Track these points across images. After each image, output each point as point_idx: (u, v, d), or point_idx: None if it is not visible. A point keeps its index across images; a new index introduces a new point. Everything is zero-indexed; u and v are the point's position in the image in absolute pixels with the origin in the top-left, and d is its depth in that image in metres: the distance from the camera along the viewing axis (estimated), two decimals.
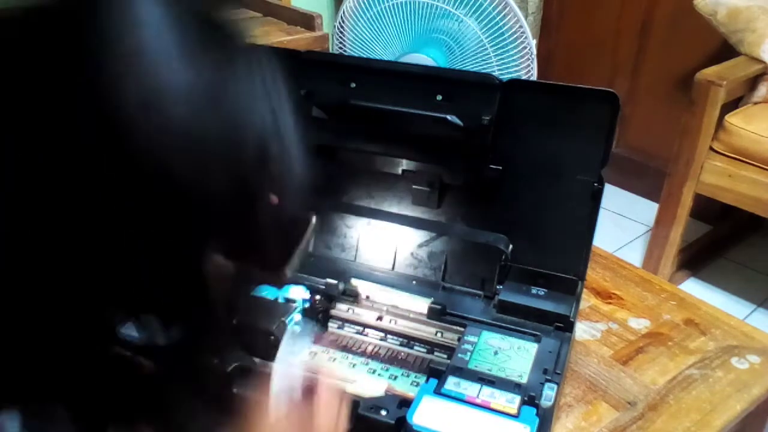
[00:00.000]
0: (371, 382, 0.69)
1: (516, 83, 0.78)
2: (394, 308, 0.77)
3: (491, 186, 0.80)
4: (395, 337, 0.77)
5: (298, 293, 0.77)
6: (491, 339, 0.70)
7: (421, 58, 1.47)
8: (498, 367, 0.66)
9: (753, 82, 1.61)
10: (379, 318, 0.78)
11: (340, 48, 1.56)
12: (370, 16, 1.50)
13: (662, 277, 1.47)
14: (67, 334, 0.40)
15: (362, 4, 1.49)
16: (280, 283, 0.77)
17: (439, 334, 0.74)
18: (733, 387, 0.76)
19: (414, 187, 0.83)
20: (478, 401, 0.61)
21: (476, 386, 0.63)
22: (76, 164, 0.35)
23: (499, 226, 0.79)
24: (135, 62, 0.34)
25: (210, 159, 0.37)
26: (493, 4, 1.41)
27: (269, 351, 0.66)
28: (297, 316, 0.75)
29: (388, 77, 0.83)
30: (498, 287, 0.76)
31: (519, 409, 0.60)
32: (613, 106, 0.73)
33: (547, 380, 0.65)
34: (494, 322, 0.73)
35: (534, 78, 1.45)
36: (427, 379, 0.65)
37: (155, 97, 0.35)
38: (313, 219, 0.70)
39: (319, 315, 0.79)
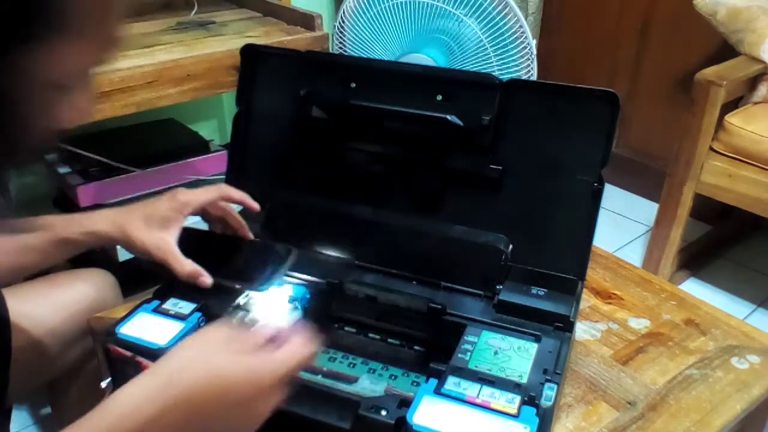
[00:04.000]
0: (371, 382, 0.69)
1: (516, 83, 0.78)
2: (394, 308, 0.77)
3: (491, 186, 0.80)
4: (395, 337, 0.77)
5: (298, 293, 0.77)
6: (491, 339, 0.70)
7: (421, 58, 1.47)
8: (498, 367, 0.66)
9: (753, 82, 1.61)
10: (379, 318, 0.77)
11: (340, 48, 1.56)
12: (370, 16, 1.50)
13: (662, 277, 1.47)
14: None
15: (362, 4, 1.49)
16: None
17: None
18: (733, 387, 0.76)
19: (414, 186, 0.83)
20: (478, 401, 0.61)
21: (476, 386, 0.63)
22: None
23: (499, 226, 0.79)
24: None
25: None
26: (493, 4, 1.41)
27: None
28: (297, 316, 0.75)
29: (388, 77, 0.83)
30: (498, 287, 0.76)
31: (519, 409, 0.60)
32: (613, 106, 0.73)
33: (547, 380, 0.65)
34: (494, 322, 0.73)
35: (534, 78, 1.45)
36: (427, 379, 0.65)
37: None
38: (294, 253, 0.75)
39: (319, 315, 0.78)
